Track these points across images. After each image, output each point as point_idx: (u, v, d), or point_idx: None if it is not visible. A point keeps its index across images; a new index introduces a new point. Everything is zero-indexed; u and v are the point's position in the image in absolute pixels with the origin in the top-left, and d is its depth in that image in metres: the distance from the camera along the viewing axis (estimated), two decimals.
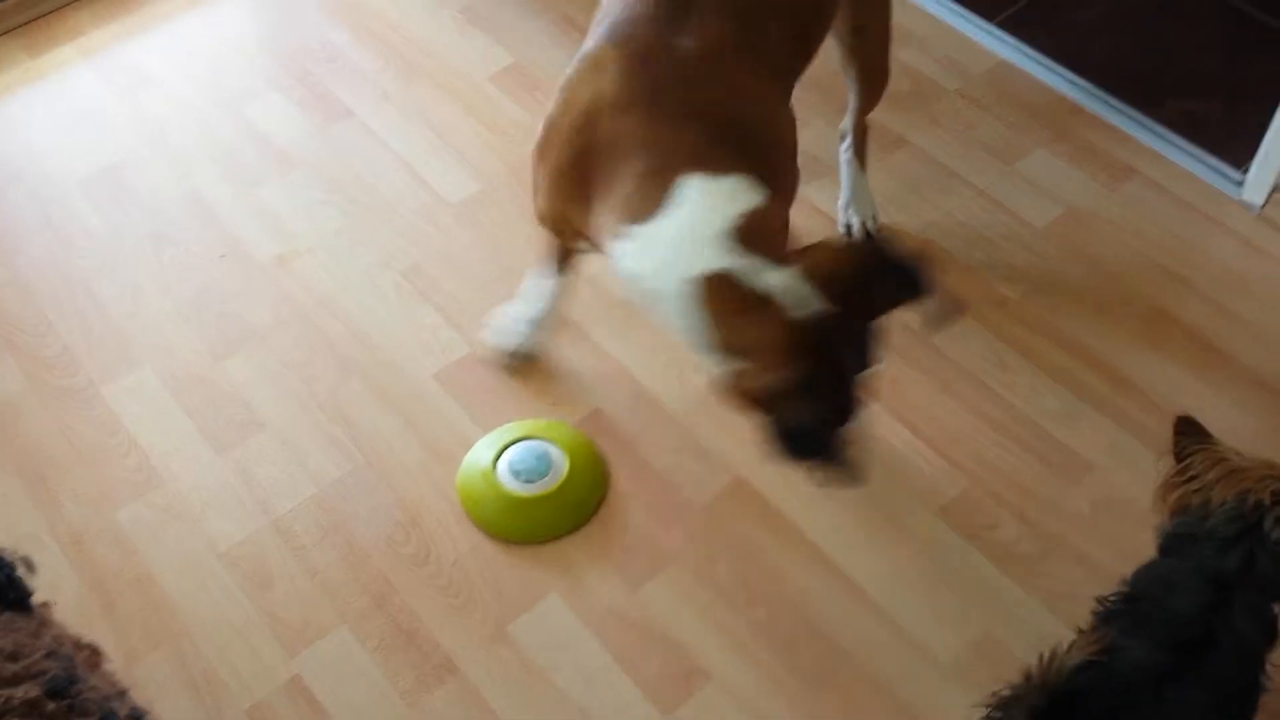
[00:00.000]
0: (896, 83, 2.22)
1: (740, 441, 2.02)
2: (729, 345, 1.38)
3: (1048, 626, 1.80)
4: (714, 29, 1.45)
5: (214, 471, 2.01)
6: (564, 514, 1.92)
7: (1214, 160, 2.38)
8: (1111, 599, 1.46)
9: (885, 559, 1.88)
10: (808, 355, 1.33)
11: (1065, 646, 1.34)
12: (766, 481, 1.97)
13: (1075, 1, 2.71)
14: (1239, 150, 2.36)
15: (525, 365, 2.11)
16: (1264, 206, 2.30)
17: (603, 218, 1.40)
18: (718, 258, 1.35)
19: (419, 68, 2.66)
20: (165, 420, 2.08)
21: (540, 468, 1.93)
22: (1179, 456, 1.45)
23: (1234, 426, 1.99)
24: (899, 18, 2.09)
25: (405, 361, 2.14)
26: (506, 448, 1.97)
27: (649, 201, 1.37)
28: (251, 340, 2.18)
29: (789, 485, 1.96)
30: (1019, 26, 2.63)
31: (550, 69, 2.63)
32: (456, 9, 2.78)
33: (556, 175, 1.48)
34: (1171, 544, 1.43)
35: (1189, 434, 1.47)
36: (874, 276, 1.37)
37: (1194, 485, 1.41)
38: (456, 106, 2.57)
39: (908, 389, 2.08)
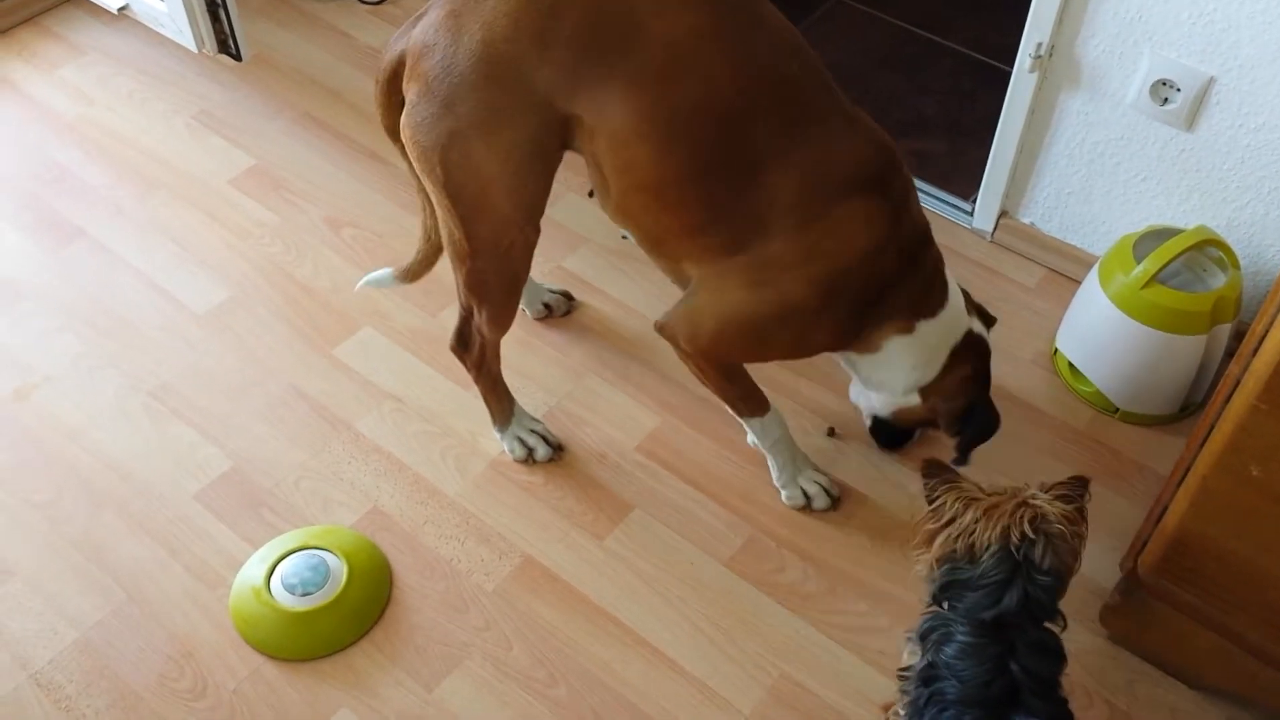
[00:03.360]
0: None
1: (524, 519, 1.99)
2: (940, 382, 1.86)
3: (843, 663, 1.83)
4: None
5: None
6: (347, 623, 1.84)
7: (945, 194, 2.51)
8: (907, 672, 1.47)
9: (679, 617, 1.88)
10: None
11: None
12: (554, 557, 1.95)
13: None
14: (966, 183, 2.51)
15: (299, 468, 2.04)
16: (994, 232, 2.44)
17: (892, 314, 1.79)
18: (970, 324, 1.88)
19: (154, 179, 2.56)
20: None
21: (316, 578, 1.85)
22: (929, 500, 1.46)
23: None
24: None
25: (162, 486, 2.03)
26: (279, 561, 1.88)
27: (937, 300, 1.82)
28: None
29: (577, 556, 1.94)
30: None
31: (293, 166, 2.58)
32: (190, 116, 2.71)
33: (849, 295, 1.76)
34: (944, 594, 1.43)
35: (936, 474, 1.47)
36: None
37: (954, 530, 1.41)
38: (197, 214, 2.49)
39: (682, 445, 2.10)
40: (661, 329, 1.86)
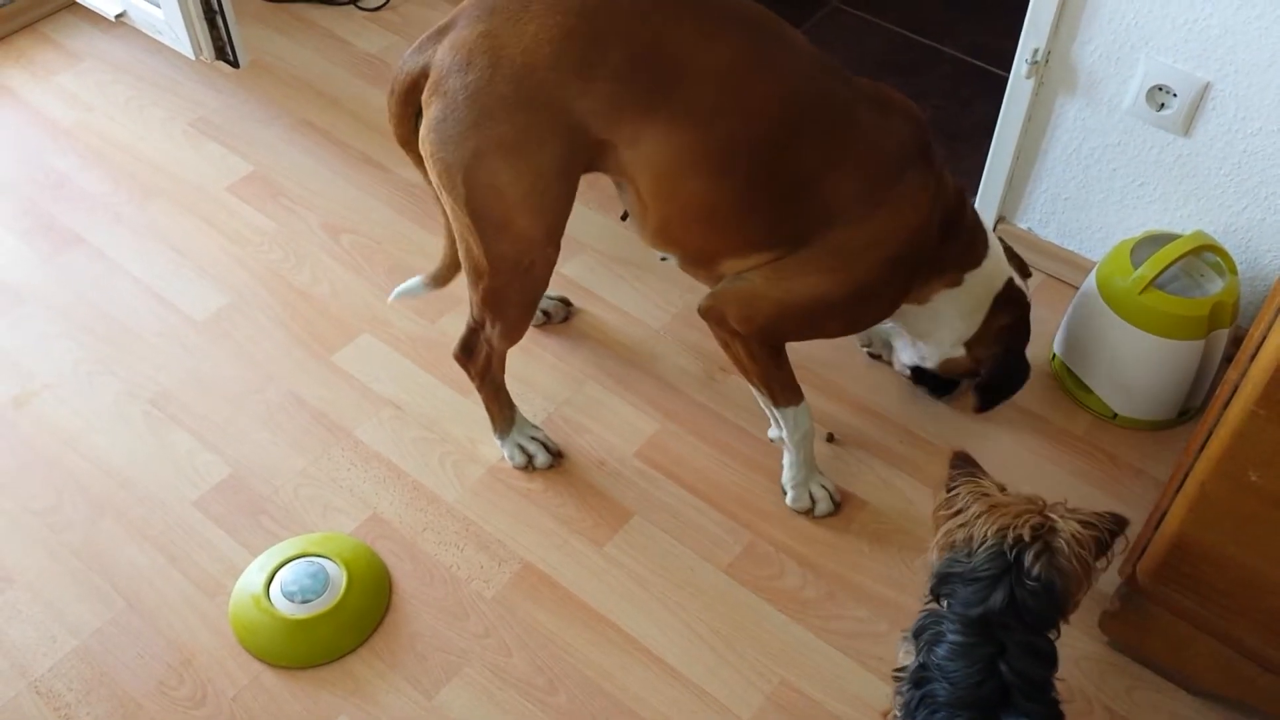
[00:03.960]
0: None
1: (523, 526, 1.99)
2: (984, 332, 1.97)
3: (842, 669, 1.83)
4: None
5: None
6: (346, 630, 1.84)
7: None
8: (901, 673, 1.47)
9: (679, 623, 1.88)
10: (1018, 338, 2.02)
11: None
12: (553, 564, 1.95)
13: None
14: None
15: (299, 476, 2.04)
16: None
17: (941, 270, 1.89)
18: (1010, 273, 1.98)
19: (153, 186, 2.56)
20: None
21: (315, 585, 1.85)
22: (948, 489, 1.47)
23: (986, 440, 2.10)
24: None
25: (161, 493, 2.03)
26: (278, 569, 1.88)
27: (980, 250, 1.91)
28: None
29: (576, 563, 1.94)
30: None
31: (291, 172, 2.59)
32: (187, 123, 2.71)
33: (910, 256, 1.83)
34: (941, 587, 1.44)
35: (961, 466, 1.48)
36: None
37: (959, 520, 1.43)
38: (195, 221, 2.49)
39: (681, 451, 2.10)
40: (707, 311, 1.87)
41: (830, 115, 1.70)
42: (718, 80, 1.63)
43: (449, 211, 1.77)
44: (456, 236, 1.80)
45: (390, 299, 2.11)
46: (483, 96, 1.61)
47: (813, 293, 1.78)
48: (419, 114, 1.70)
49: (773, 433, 2.06)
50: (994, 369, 1.99)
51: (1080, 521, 1.39)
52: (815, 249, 1.74)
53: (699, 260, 1.84)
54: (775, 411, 1.94)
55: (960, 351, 1.99)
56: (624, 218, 1.84)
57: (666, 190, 1.70)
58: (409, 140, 1.75)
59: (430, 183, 1.78)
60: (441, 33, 1.67)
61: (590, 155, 1.69)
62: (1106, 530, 1.40)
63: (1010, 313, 1.96)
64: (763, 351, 1.86)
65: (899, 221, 1.74)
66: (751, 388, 1.94)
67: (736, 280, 1.82)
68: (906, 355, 2.11)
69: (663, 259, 1.89)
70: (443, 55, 1.65)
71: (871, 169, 1.72)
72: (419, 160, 1.76)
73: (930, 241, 1.81)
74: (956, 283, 1.90)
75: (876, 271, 1.78)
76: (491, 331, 1.90)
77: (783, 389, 1.91)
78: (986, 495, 1.43)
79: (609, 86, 1.61)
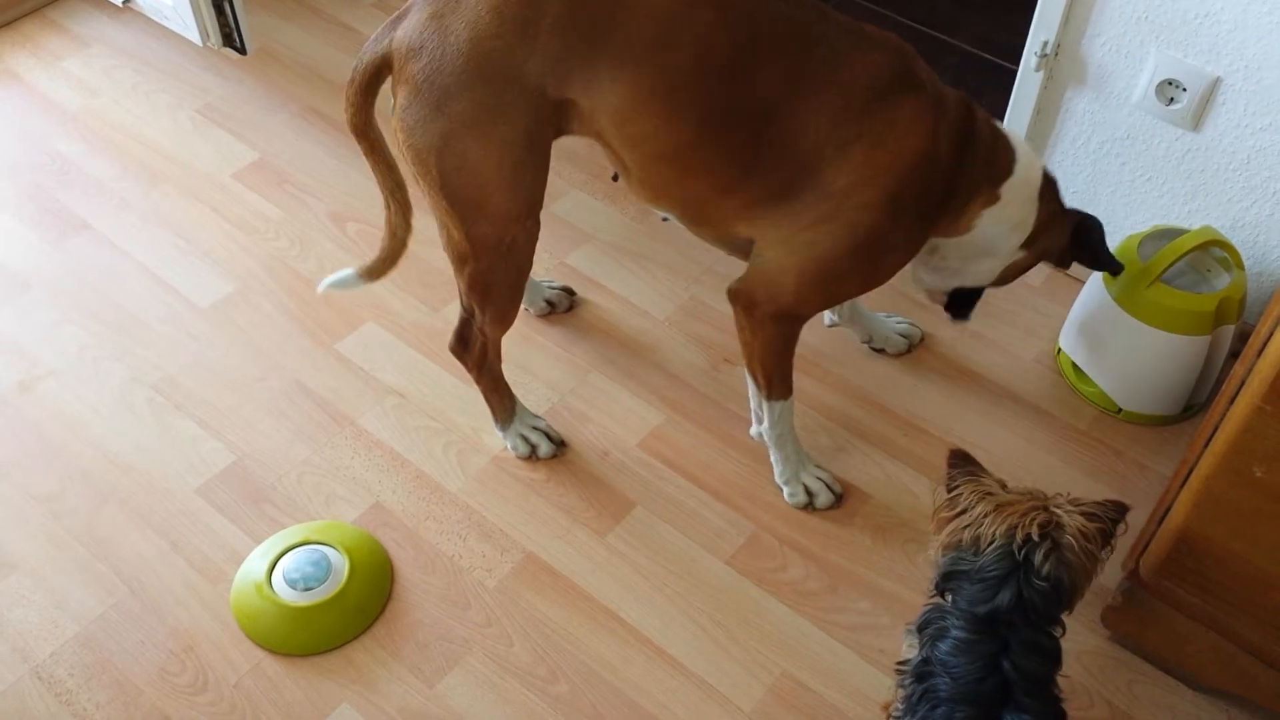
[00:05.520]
0: None
1: (526, 516, 1.99)
2: (1041, 229, 1.85)
3: (844, 661, 1.83)
4: None
5: None
6: (348, 618, 1.84)
7: None
8: (904, 666, 1.48)
9: (681, 614, 1.88)
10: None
11: None
12: (555, 554, 1.95)
13: None
14: None
15: (303, 462, 2.04)
16: None
17: (972, 193, 1.76)
18: (1041, 162, 1.85)
19: (159, 172, 2.56)
20: None
21: (318, 573, 1.85)
22: (949, 489, 1.47)
23: (990, 433, 2.10)
24: None
25: (165, 480, 2.03)
26: (281, 556, 1.88)
27: (1007, 158, 1.78)
28: None
29: (578, 553, 1.94)
30: None
31: (297, 160, 2.58)
32: (194, 109, 2.71)
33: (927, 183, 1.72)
34: (946, 583, 1.44)
35: (960, 465, 1.48)
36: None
37: (964, 520, 1.42)
38: (201, 208, 2.49)
39: (685, 442, 2.10)
40: (735, 295, 1.83)
41: (795, 44, 1.62)
42: (661, 13, 1.58)
43: (427, 198, 1.76)
44: (438, 224, 1.80)
45: (320, 289, 1.99)
46: (439, 78, 1.61)
47: (817, 250, 1.70)
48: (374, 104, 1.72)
49: (753, 430, 2.05)
50: (1083, 245, 1.89)
51: (1084, 514, 1.39)
52: (804, 199, 1.67)
53: (690, 211, 1.78)
54: (765, 405, 1.94)
55: (1020, 255, 1.87)
56: (615, 178, 1.81)
57: (628, 136, 1.66)
58: (362, 129, 1.77)
59: (376, 175, 1.80)
60: (396, 21, 1.68)
61: (556, 119, 1.67)
62: (1109, 520, 1.40)
63: (1056, 198, 1.85)
64: (780, 339, 1.84)
65: (885, 156, 1.64)
66: (749, 378, 1.93)
67: (756, 259, 1.79)
68: (945, 282, 1.96)
69: (664, 219, 1.86)
70: (398, 43, 1.65)
71: (841, 99, 1.62)
72: (369, 149, 1.78)
73: (941, 170, 1.69)
74: (995, 199, 1.75)
75: (873, 215, 1.66)
76: (483, 319, 1.89)
77: (781, 382, 1.90)
78: (990, 494, 1.43)
79: (553, 41, 1.59)
